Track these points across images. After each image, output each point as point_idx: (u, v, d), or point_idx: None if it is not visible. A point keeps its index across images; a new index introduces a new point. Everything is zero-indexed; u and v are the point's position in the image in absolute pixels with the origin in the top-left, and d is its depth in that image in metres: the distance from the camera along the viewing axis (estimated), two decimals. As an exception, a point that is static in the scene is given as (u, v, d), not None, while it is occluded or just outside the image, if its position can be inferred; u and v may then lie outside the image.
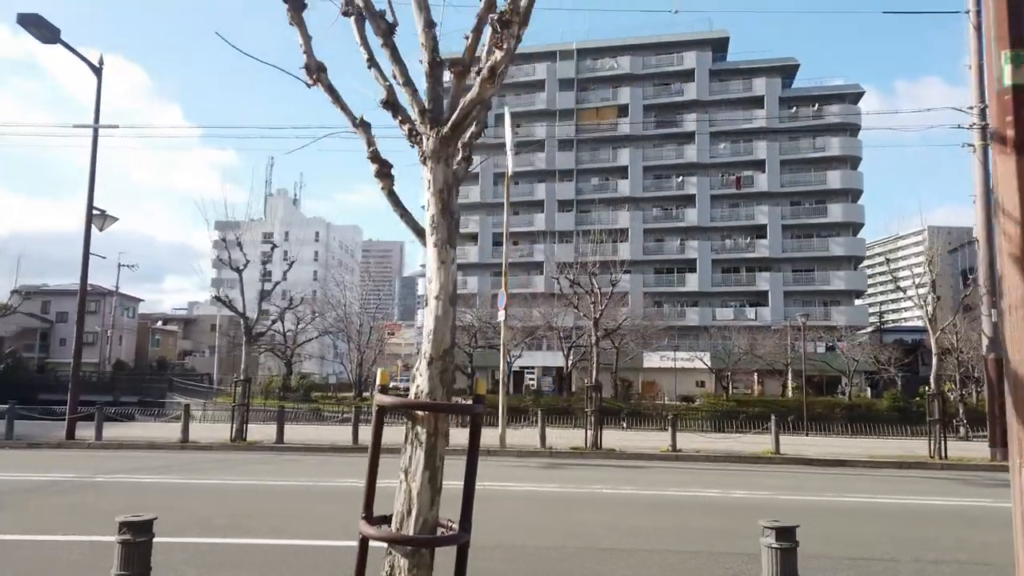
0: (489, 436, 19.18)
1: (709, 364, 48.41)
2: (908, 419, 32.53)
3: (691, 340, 53.18)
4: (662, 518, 8.71)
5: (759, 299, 56.05)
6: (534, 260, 58.19)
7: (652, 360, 51.82)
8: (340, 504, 9.09)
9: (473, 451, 3.65)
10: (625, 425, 31.26)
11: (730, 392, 48.72)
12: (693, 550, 6.86)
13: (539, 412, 17.91)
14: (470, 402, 3.65)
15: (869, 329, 58.17)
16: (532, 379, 54.59)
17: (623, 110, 59.44)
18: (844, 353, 47.58)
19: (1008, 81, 4.09)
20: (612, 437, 19.64)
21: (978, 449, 18.25)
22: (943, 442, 16.24)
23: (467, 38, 3.99)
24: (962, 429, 28.33)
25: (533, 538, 7.33)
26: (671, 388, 52.34)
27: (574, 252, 59.12)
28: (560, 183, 60.22)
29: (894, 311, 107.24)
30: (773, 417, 17.10)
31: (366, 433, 18.76)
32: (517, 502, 9.76)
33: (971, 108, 17.70)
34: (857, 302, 57.55)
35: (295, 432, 19.67)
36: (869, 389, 51.50)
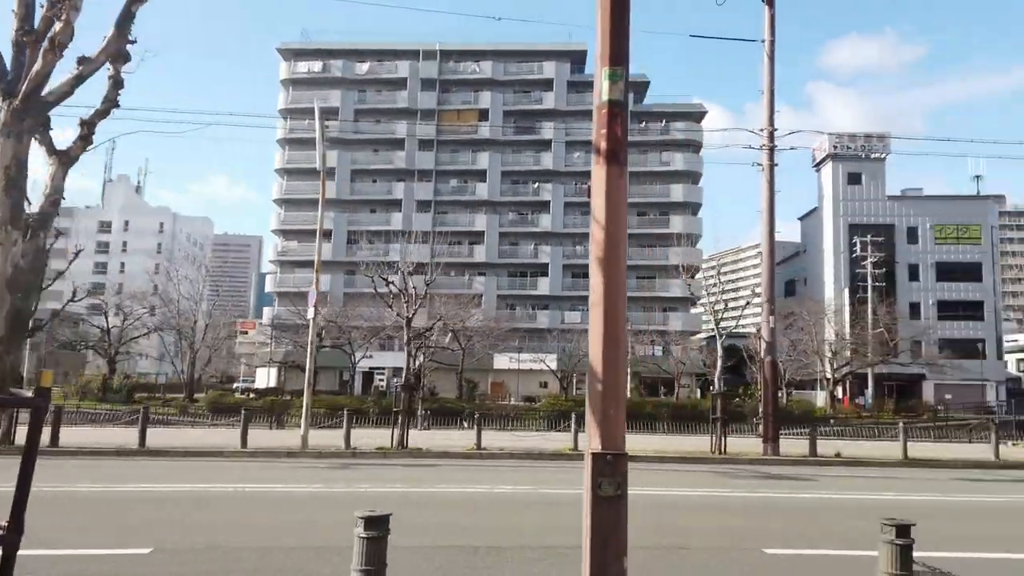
0: (317, 437, 18.67)
1: (555, 366, 49.81)
2: (731, 417, 34.92)
3: (540, 342, 54.49)
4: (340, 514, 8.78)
5: (606, 304, 58.30)
6: (389, 260, 57.39)
7: (501, 361, 52.66)
8: None
9: (31, 448, 3.43)
10: (467, 425, 31.51)
11: (572, 392, 50.51)
12: (313, 545, 6.92)
13: (345, 412, 17.60)
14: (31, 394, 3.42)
15: (704, 334, 62.13)
16: (382, 379, 53.87)
17: (484, 114, 60.07)
18: (675, 356, 50.54)
19: (605, 96, 4.41)
20: (438, 437, 19.71)
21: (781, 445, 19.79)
22: (723, 438, 17.54)
23: (42, 7, 3.79)
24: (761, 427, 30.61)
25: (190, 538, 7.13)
26: (520, 389, 53.46)
27: (430, 253, 59.03)
28: (419, 183, 59.93)
29: (733, 318, 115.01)
30: (573, 416, 17.77)
31: (158, 434, 17.69)
32: (248, 503, 9.53)
33: (762, 130, 19.28)
34: (693, 309, 61.22)
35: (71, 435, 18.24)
36: (699, 391, 54.87)
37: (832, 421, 39.20)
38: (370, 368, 53.14)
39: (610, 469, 3.71)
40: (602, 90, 4.31)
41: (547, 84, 60.24)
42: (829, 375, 44.84)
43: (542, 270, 58.93)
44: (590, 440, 3.94)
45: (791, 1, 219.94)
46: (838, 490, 12.13)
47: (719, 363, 19.73)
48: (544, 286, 58.53)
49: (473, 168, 59.99)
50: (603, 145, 4.24)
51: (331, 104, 61.37)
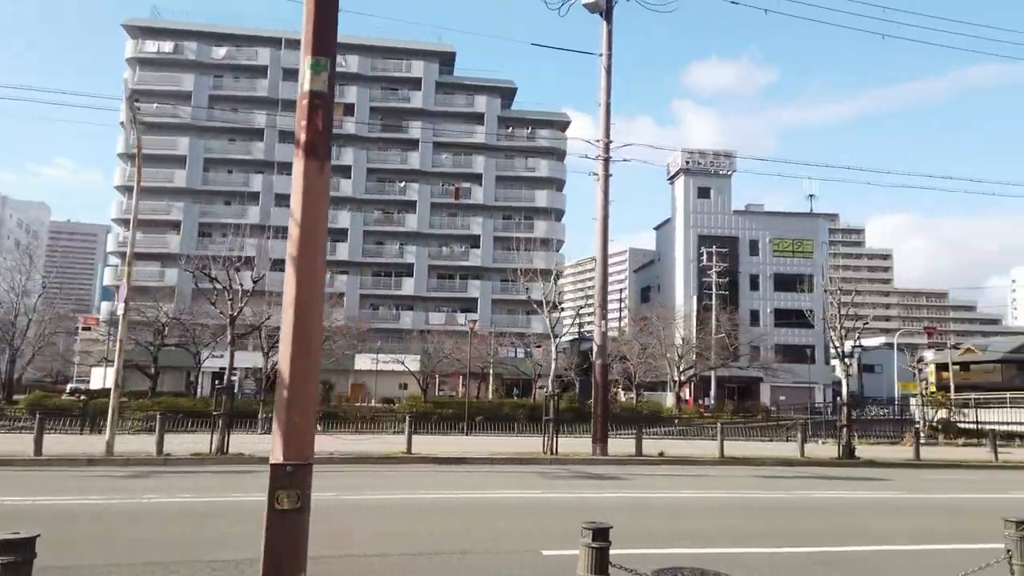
0: (135, 442, 17.22)
1: (417, 367, 49.32)
2: (582, 418, 35.84)
3: (404, 343, 53.81)
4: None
5: (470, 305, 58.55)
6: (246, 255, 54.64)
7: (363, 362, 51.51)
8: None
9: None
10: (321, 428, 30.41)
11: (436, 394, 50.24)
12: None
13: (158, 416, 16.39)
14: None
15: (568, 337, 63.81)
16: (236, 380, 51.11)
17: (349, 109, 58.60)
18: (533, 359, 51.47)
19: (307, 86, 4.21)
20: (266, 442, 18.70)
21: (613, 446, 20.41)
22: (555, 439, 17.90)
23: None
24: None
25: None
26: (382, 391, 52.48)
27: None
28: (279, 176, 57.54)
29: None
30: (408, 418, 17.55)
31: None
32: None
33: (598, 141, 19.88)
34: (553, 313, 62.60)
35: None
36: (558, 392, 56.07)
37: (676, 421, 41.06)
38: (220, 368, 50.38)
39: (290, 481, 3.50)
40: (304, 80, 4.10)
41: (416, 83, 59.69)
42: (676, 377, 47.20)
43: (407, 270, 58.27)
44: (272, 450, 3.71)
45: (659, 21, 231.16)
46: (642, 489, 12.61)
47: (553, 365, 20.09)
48: (409, 286, 57.90)
49: (337, 163, 58.29)
50: (303, 137, 4.04)
51: (183, 88, 57.82)
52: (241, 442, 18.23)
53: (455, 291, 58.95)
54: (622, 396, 52.65)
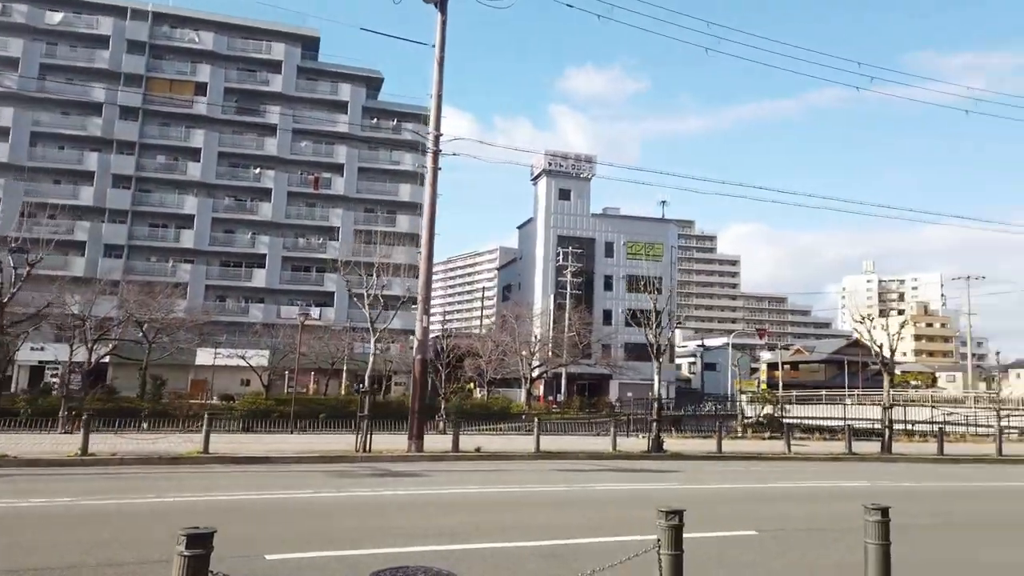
0: None
1: (266, 362, 47.26)
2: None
3: (253, 337, 51.36)
4: None
5: (326, 299, 56.87)
6: (75, 239, 50.29)
7: (205, 357, 48.70)
8: None
9: None
10: (147, 427, 28.31)
11: (285, 391, 48.42)
12: None
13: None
14: None
15: (434, 334, 63.48)
16: (55, 375, 46.83)
17: (201, 88, 55.26)
18: (388, 355, 50.69)
19: None
20: (74, 441, 17.00)
21: (439, 442, 20.20)
22: (369, 436, 17.53)
23: None
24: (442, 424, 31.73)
25: None
26: (226, 387, 49.86)
27: (126, 235, 52.79)
28: (119, 155, 53.29)
29: (461, 319, 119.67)
30: (206, 416, 16.61)
31: None
32: None
33: (428, 134, 19.69)
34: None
35: None
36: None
37: (524, 416, 41.77)
38: (40, 362, 46.09)
39: None
40: None
41: (275, 66, 57.13)
42: (527, 374, 48.00)
43: (259, 261, 55.69)
44: None
45: (539, 25, 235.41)
46: (433, 486, 12.52)
47: (371, 360, 19.79)
48: (261, 278, 55.38)
49: (186, 145, 54.85)
50: None
51: (10, 54, 52.34)
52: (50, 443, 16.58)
53: (311, 284, 57.04)
54: (477, 393, 53.05)
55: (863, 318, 24.15)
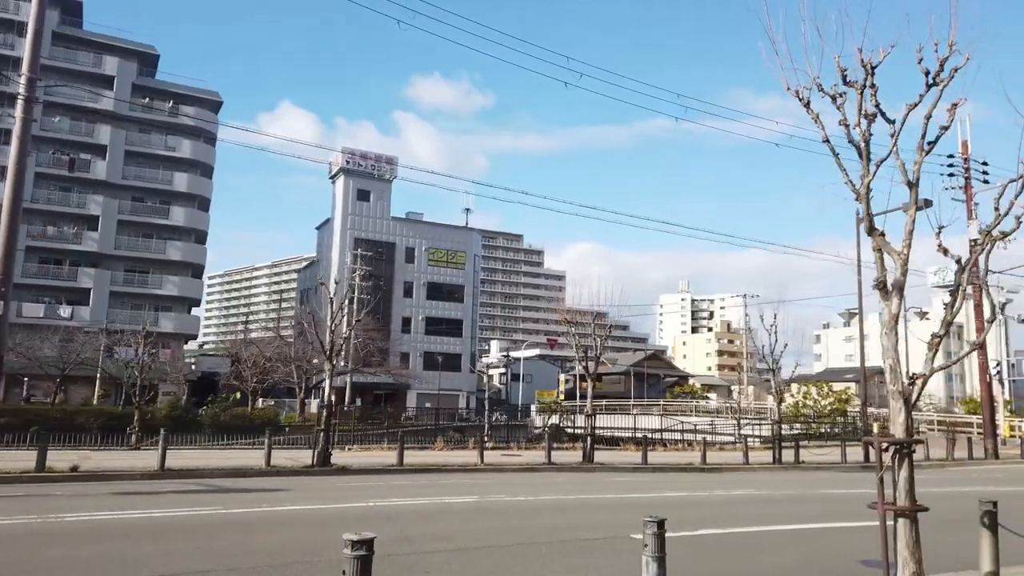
0: None
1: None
2: (182, 428, 32.29)
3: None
4: None
5: (80, 297, 50.61)
6: None
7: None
8: None
9: None
10: None
11: (24, 399, 42.62)
12: None
13: None
14: None
15: (211, 344, 58.52)
16: None
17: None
18: (160, 360, 45.93)
19: None
20: None
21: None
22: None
23: None
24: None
25: None
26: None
27: None
28: None
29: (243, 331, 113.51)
30: None
31: None
32: None
33: (20, 75, 16.57)
34: (195, 311, 57.15)
35: None
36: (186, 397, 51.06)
37: (287, 429, 39.20)
38: None
39: None
40: None
41: (21, 29, 50.13)
42: (300, 383, 45.16)
43: (-5, 250, 48.35)
44: None
45: (390, 30, 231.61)
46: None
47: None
48: (-4, 270, 48.06)
49: (-100, 110, 46.61)
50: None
51: None
52: None
53: (62, 279, 50.48)
54: (260, 403, 49.60)
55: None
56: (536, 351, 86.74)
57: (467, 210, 66.45)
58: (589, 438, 21.47)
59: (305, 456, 18.80)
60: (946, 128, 5.52)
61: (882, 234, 5.48)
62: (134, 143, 53.33)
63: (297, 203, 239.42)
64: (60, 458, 15.98)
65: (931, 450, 25.96)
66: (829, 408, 36.80)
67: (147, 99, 53.33)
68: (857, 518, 9.87)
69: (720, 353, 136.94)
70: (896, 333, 5.35)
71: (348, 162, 58.22)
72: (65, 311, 49.70)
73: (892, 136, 5.46)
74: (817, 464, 22.55)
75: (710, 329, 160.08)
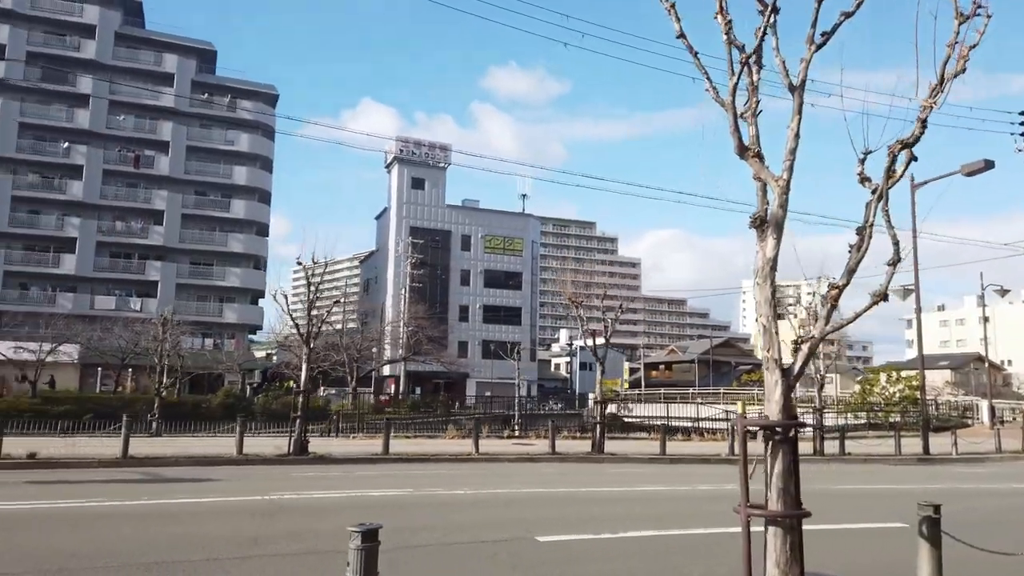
0: None
1: (76, 357, 43.27)
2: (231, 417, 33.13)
3: (62, 329, 46.76)
4: None
5: (149, 289, 52.67)
6: None
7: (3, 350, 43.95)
8: None
9: None
10: None
11: (99, 388, 44.81)
12: None
13: None
14: None
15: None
16: None
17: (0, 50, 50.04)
18: (225, 350, 47.44)
19: None
20: None
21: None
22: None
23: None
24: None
25: None
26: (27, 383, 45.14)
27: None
28: None
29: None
30: None
31: None
32: None
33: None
34: (263, 301, 58.48)
35: None
36: (250, 387, 52.34)
37: (335, 416, 39.58)
38: None
39: None
40: None
41: (89, 31, 52.51)
42: (352, 373, 45.43)
43: (69, 245, 50.92)
44: None
45: (466, 23, 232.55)
46: None
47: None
48: (70, 264, 50.72)
49: (-22, 114, 49.67)
50: None
51: None
52: None
53: (131, 272, 52.66)
54: (322, 392, 50.49)
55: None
56: (600, 340, 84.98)
57: (523, 196, 65.56)
58: (599, 426, 20.29)
59: (335, 445, 18.48)
60: (849, 14, 4.22)
61: (757, 155, 4.24)
62: (195, 138, 55.01)
63: (380, 196, 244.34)
64: (36, 445, 16.06)
65: (1003, 440, 23.35)
66: (899, 396, 33.99)
67: (206, 95, 54.81)
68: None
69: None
70: (772, 283, 4.11)
71: (402, 151, 58.26)
72: (135, 303, 51.84)
73: (763, 14, 4.19)
74: (865, 456, 20.61)
75: (796, 316, 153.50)
